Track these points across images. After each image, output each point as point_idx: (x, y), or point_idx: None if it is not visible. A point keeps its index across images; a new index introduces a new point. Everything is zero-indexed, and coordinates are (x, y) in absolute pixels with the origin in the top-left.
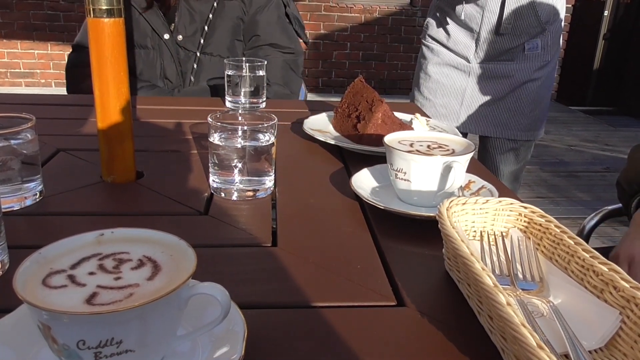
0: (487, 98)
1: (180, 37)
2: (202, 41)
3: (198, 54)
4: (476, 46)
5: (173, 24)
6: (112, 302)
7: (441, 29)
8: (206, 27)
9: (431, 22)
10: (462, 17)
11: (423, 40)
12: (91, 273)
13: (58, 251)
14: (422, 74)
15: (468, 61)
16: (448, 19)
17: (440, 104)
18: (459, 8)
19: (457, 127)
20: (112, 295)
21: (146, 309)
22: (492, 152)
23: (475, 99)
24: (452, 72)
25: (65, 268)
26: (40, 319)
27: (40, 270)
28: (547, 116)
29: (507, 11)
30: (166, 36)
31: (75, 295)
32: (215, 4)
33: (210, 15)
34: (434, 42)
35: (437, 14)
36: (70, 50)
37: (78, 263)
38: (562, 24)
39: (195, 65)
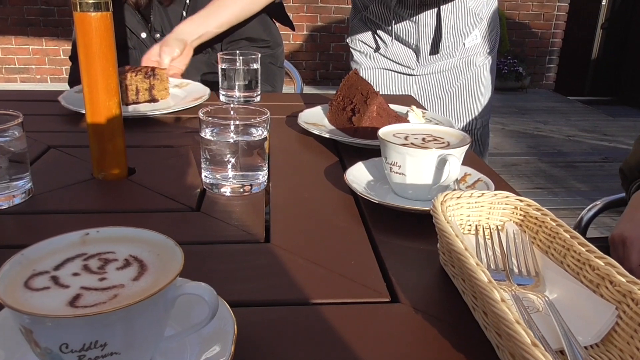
0: (436, 94)
1: (158, 36)
2: None
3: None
4: (417, 56)
5: (150, 23)
6: (96, 304)
7: (377, 38)
8: None
9: (361, 28)
10: (396, 36)
11: (352, 45)
12: (75, 274)
13: (41, 252)
14: None
15: (410, 68)
16: (382, 32)
17: None
18: (388, 28)
19: None
20: (96, 297)
21: (131, 310)
22: None
23: (424, 96)
24: (394, 76)
25: (48, 269)
26: (21, 323)
27: (23, 272)
28: (493, 97)
29: (444, 22)
30: (143, 35)
31: (58, 298)
32: (187, 1)
33: (184, 13)
34: (367, 47)
35: (367, 24)
36: (68, 56)
37: (62, 264)
38: (496, 4)
39: None
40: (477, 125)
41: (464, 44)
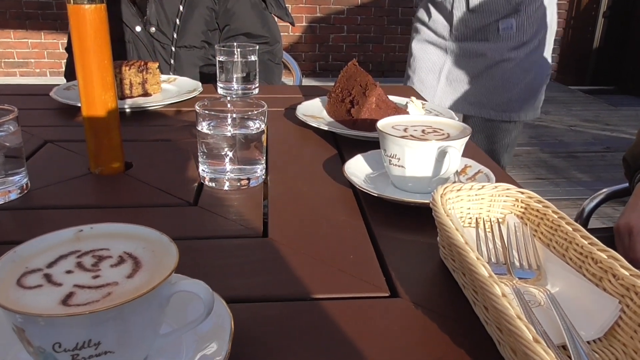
0: (463, 76)
1: (153, 29)
2: (175, 35)
3: (173, 49)
4: (451, 25)
5: (145, 16)
6: (89, 303)
7: (423, 10)
8: (178, 20)
9: (418, 3)
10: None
11: (413, 21)
12: (68, 272)
13: (34, 249)
14: (409, 53)
15: (445, 39)
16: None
17: (418, 79)
18: None
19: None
20: (89, 295)
21: (124, 308)
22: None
23: (452, 76)
24: (431, 49)
25: (41, 267)
26: (14, 322)
27: (15, 270)
28: (529, 100)
29: None
30: (138, 29)
31: (50, 296)
32: None
33: (181, 7)
34: (418, 22)
35: None
36: (64, 48)
37: (55, 261)
38: (543, 6)
39: (172, 61)
40: (497, 118)
41: (498, 27)
